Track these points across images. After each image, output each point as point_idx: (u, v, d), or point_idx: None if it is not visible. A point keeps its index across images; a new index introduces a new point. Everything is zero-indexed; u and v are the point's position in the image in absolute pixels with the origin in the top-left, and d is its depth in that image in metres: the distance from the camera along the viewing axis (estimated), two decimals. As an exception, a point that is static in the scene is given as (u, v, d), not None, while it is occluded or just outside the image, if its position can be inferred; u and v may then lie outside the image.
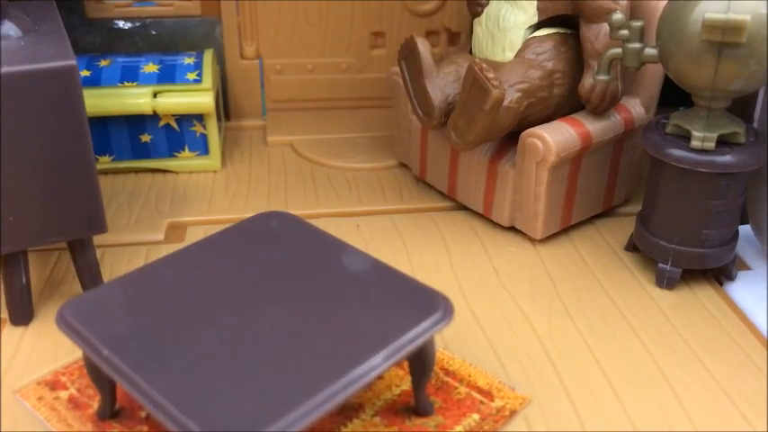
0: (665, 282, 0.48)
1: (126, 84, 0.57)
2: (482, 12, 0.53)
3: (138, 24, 0.65)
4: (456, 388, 0.39)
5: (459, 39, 0.69)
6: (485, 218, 0.55)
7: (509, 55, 0.51)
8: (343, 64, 0.69)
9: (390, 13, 0.67)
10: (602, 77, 0.47)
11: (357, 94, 0.70)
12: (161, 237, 0.53)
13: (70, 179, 0.41)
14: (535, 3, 0.50)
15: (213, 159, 0.60)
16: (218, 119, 0.64)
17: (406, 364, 0.38)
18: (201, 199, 0.57)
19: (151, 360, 0.32)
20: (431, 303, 0.35)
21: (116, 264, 0.50)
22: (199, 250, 0.39)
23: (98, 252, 0.50)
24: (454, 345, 0.43)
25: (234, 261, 0.38)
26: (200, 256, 0.38)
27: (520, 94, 0.48)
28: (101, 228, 0.43)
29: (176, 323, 0.34)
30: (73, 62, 0.39)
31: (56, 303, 0.46)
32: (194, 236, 0.52)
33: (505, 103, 0.47)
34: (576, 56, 0.50)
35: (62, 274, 0.49)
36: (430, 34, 0.69)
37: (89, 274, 0.45)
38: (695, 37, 0.41)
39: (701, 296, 0.48)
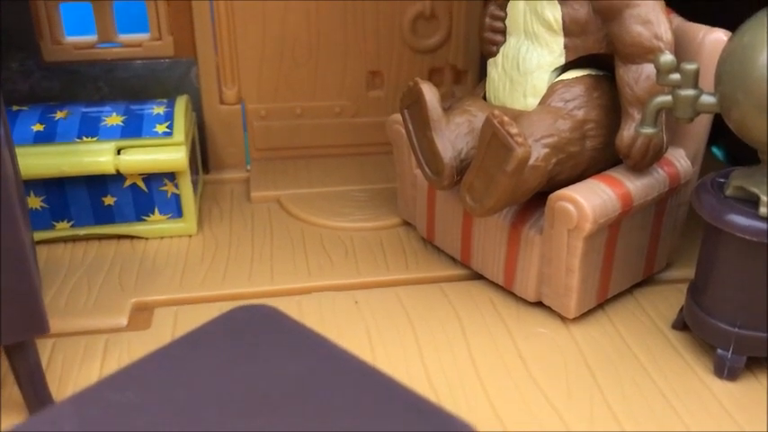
0: (725, 372, 0.40)
1: (85, 139, 0.49)
2: (498, 51, 0.45)
3: (102, 67, 0.57)
4: None
5: (465, 77, 0.61)
6: (505, 290, 0.47)
7: (532, 102, 0.43)
8: (337, 107, 0.61)
9: (389, 50, 0.60)
10: (648, 130, 0.39)
11: (353, 140, 0.62)
12: (124, 322, 0.44)
13: (-1, 272, 0.33)
14: (562, 40, 0.42)
15: (188, 222, 0.52)
16: (195, 172, 0.56)
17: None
18: (173, 271, 0.49)
19: None
20: (454, 440, 0.27)
21: (69, 358, 0.42)
22: (158, 364, 0.31)
23: (49, 343, 0.43)
24: (479, 466, 0.35)
25: (202, 381, 0.30)
26: (159, 374, 0.30)
27: (547, 150, 0.40)
28: (41, 328, 0.35)
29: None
30: (-5, 130, 0.31)
31: (-7, 414, 0.38)
32: (162, 320, 0.44)
33: (531, 161, 0.39)
34: (612, 102, 0.43)
35: (3, 374, 0.41)
36: (433, 72, 0.61)
37: (30, 381, 0.37)
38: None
39: (771, 388, 0.40)
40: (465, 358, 0.42)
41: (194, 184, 0.54)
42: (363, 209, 0.56)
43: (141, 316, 0.45)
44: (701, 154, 0.46)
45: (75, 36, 0.57)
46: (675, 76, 0.37)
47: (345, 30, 0.59)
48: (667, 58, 0.37)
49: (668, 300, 0.46)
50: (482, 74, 0.55)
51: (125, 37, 0.57)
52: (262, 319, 0.33)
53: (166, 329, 0.43)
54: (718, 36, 0.42)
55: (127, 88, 0.58)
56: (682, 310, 0.43)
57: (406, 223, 0.54)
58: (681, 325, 0.44)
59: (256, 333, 0.32)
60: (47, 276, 0.48)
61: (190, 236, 0.53)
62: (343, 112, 0.62)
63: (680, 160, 0.44)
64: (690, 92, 0.37)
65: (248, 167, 0.62)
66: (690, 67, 0.37)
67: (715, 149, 0.68)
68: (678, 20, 0.44)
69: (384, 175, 0.60)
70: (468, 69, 0.61)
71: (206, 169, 0.61)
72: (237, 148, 0.61)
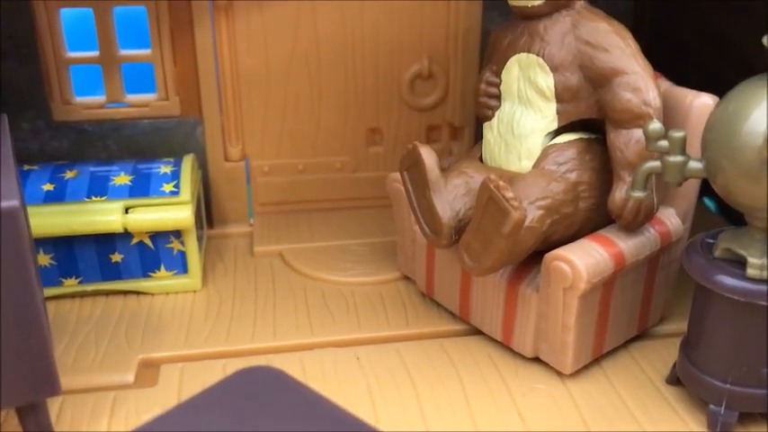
0: (718, 427, 0.41)
1: (94, 198, 0.51)
2: (493, 115, 0.47)
3: (110, 126, 0.59)
4: None
5: (462, 133, 0.63)
6: (504, 346, 0.48)
7: (526, 164, 0.45)
8: (338, 163, 0.63)
9: (388, 108, 0.62)
10: (639, 194, 0.40)
11: (353, 194, 0.64)
12: (131, 378, 0.45)
13: (14, 336, 0.34)
14: (554, 106, 0.44)
15: (193, 278, 0.54)
16: (200, 228, 0.57)
17: None
18: (179, 327, 0.50)
19: None
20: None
21: (77, 416, 0.43)
22: (163, 429, 0.32)
23: (58, 400, 0.44)
24: None
25: (209, 444, 0.31)
26: (167, 437, 0.31)
27: (542, 211, 0.42)
28: (53, 389, 0.36)
29: None
30: (15, 203, 0.33)
31: (2, 473, 0.39)
32: (168, 377, 0.45)
33: (526, 223, 0.41)
34: (603, 164, 0.44)
35: (13, 432, 0.42)
36: (431, 129, 0.63)
37: (40, 441, 0.38)
38: (750, 151, 0.35)
39: (763, 443, 0.41)
40: (464, 415, 0.43)
41: (199, 239, 0.55)
42: (364, 263, 0.57)
43: (148, 373, 0.46)
44: (691, 212, 0.47)
45: (84, 96, 0.59)
46: (663, 143, 0.39)
47: (346, 89, 0.61)
48: (655, 126, 0.39)
49: (661, 354, 0.48)
50: (478, 131, 0.57)
51: (133, 97, 0.59)
52: (266, 381, 0.34)
53: (173, 387, 0.44)
54: (705, 101, 0.44)
55: (134, 146, 0.59)
56: (675, 365, 0.44)
57: (406, 277, 0.55)
58: (674, 380, 0.45)
59: (261, 396, 0.33)
60: (55, 333, 0.49)
61: (194, 291, 0.54)
62: (344, 167, 0.63)
63: (671, 219, 0.46)
64: (678, 158, 0.39)
65: (251, 222, 0.63)
66: (677, 134, 0.38)
67: (707, 201, 0.69)
68: (666, 84, 0.46)
69: (384, 229, 0.61)
70: (465, 126, 0.63)
71: (210, 224, 0.62)
72: (241, 203, 0.62)
